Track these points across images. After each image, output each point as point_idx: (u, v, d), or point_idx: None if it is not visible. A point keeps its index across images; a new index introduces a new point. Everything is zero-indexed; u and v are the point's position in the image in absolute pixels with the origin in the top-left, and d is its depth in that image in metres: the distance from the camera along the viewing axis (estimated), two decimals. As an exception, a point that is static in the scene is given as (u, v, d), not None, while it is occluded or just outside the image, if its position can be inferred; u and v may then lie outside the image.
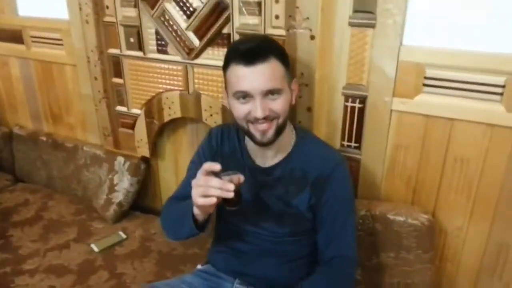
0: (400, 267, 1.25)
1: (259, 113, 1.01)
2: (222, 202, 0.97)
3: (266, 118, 1.02)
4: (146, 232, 1.73)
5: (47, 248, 1.66)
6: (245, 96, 1.02)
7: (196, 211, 1.02)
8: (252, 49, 1.00)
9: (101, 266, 1.55)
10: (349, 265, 1.13)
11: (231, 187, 0.92)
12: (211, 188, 0.92)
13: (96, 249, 1.63)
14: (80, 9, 1.65)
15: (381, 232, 1.25)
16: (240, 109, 1.04)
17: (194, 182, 0.96)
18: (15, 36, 1.98)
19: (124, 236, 1.70)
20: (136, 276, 1.49)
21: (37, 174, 2.11)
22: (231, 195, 0.92)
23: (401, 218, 1.22)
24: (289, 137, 1.15)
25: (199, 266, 1.33)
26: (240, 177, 0.98)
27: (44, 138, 2.05)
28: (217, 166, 0.93)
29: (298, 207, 1.13)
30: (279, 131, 1.07)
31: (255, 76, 1.00)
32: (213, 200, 0.92)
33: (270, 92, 1.01)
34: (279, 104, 1.03)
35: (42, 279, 1.50)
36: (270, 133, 1.05)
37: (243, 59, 1.00)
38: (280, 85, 1.02)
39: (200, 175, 0.95)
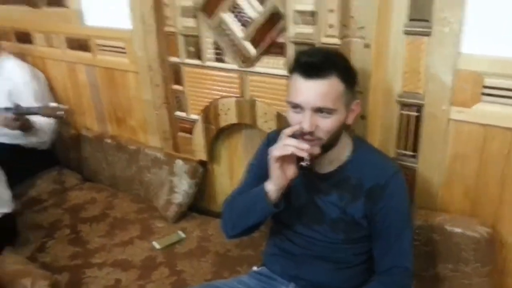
0: (457, 279, 1.23)
1: (305, 126, 1.03)
2: (296, 160, 1.05)
3: (311, 134, 1.04)
4: (203, 233, 1.81)
5: (112, 243, 1.78)
6: (297, 106, 1.05)
7: (269, 186, 1.09)
8: (312, 64, 1.02)
9: (162, 263, 1.65)
10: (406, 276, 1.13)
11: (306, 146, 1.00)
12: (288, 145, 1.01)
13: (157, 246, 1.74)
14: (143, 20, 1.75)
15: (438, 243, 1.24)
16: (293, 118, 1.07)
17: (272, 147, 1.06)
18: (82, 45, 2.13)
19: (183, 235, 1.79)
20: (195, 274, 1.58)
21: (102, 174, 2.26)
22: (304, 154, 1.00)
23: (459, 230, 1.20)
24: (345, 146, 1.16)
25: (254, 268, 1.38)
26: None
27: (109, 140, 2.19)
28: (296, 127, 1.04)
29: (353, 215, 1.14)
30: (326, 148, 1.08)
31: (309, 91, 1.02)
32: (288, 151, 1.01)
33: (321, 110, 1.03)
34: (327, 123, 1.04)
35: (109, 272, 1.62)
36: (315, 150, 1.06)
37: (303, 71, 1.02)
38: (332, 104, 1.03)
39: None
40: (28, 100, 2.09)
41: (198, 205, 1.97)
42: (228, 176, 1.89)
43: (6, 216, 1.76)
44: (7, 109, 1.80)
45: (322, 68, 1.01)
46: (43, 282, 1.41)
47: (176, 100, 1.82)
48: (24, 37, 2.38)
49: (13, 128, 1.88)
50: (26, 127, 1.93)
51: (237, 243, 1.71)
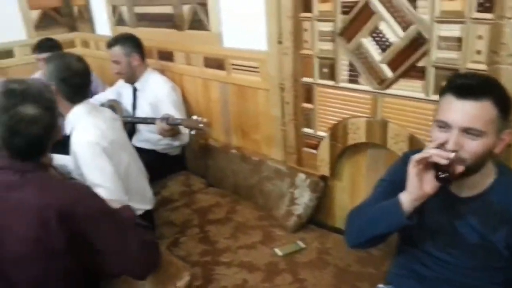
0: None
1: (450, 144, 1.04)
2: (435, 170, 1.06)
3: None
4: (322, 245, 1.88)
5: (237, 245, 1.93)
6: (445, 125, 1.08)
7: (404, 196, 1.10)
8: (468, 85, 1.05)
9: (284, 270, 1.75)
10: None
11: (451, 155, 1.02)
12: (429, 152, 1.05)
13: (279, 253, 1.84)
14: (280, 42, 1.90)
15: None
16: (437, 136, 1.09)
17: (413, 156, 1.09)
18: (218, 64, 2.35)
19: (303, 245, 1.88)
20: (317, 285, 1.65)
21: (226, 181, 2.45)
22: (445, 161, 1.02)
23: None
24: (490, 172, 1.16)
25: (380, 286, 1.40)
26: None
27: (234, 151, 2.38)
28: (439, 141, 1.07)
29: (495, 242, 1.12)
30: (469, 171, 1.08)
31: (460, 110, 1.04)
32: (429, 154, 1.04)
33: (469, 131, 1.04)
34: (474, 145, 1.04)
35: (236, 272, 1.76)
36: (459, 168, 1.06)
37: (456, 92, 1.05)
38: (482, 127, 1.03)
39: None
40: (168, 110, 2.36)
41: (316, 218, 2.04)
42: (349, 193, 1.94)
43: (147, 212, 2.00)
44: (162, 119, 2.06)
45: (477, 90, 1.03)
46: (185, 273, 1.59)
47: (304, 117, 1.93)
48: (166, 56, 2.70)
49: (165, 136, 2.14)
50: (174, 135, 2.18)
51: (357, 258, 1.75)
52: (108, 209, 1.30)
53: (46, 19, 3.47)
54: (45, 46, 2.81)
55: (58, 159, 1.75)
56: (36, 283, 1.23)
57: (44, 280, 1.23)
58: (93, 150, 1.66)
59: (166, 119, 2.09)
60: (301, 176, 2.01)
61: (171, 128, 2.12)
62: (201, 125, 1.97)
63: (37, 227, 1.16)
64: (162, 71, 2.66)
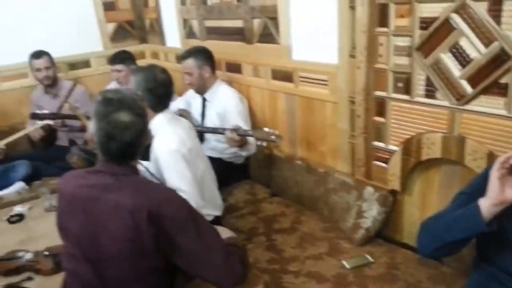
0: None
1: None
2: None
3: None
4: (391, 260, 1.87)
5: (305, 256, 1.96)
6: None
7: (484, 201, 1.09)
8: None
9: (353, 282, 1.76)
10: None
11: None
12: None
13: (347, 265, 1.85)
14: (353, 56, 1.93)
15: None
16: None
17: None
18: (286, 76, 2.41)
19: (371, 259, 1.88)
20: (388, 299, 1.65)
21: (289, 191, 2.49)
22: None
23: None
24: None
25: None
26: None
27: (299, 162, 2.42)
28: None
29: None
30: None
31: None
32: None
33: None
34: None
35: (304, 282, 1.79)
36: None
37: None
38: None
39: None
40: (235, 120, 2.45)
41: (383, 232, 2.03)
42: (419, 208, 1.92)
43: (217, 218, 2.07)
44: (232, 130, 2.14)
45: None
46: (259, 280, 1.64)
47: (375, 131, 1.94)
48: (234, 68, 2.81)
49: (233, 146, 2.22)
50: (242, 145, 2.26)
51: (428, 275, 1.73)
52: (192, 211, 1.36)
53: (120, 32, 3.71)
54: (120, 58, 3.01)
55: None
56: (127, 280, 1.33)
57: (134, 277, 1.33)
58: (174, 157, 1.77)
59: (237, 130, 2.17)
60: (370, 189, 2.01)
61: (241, 139, 2.19)
62: (273, 137, 2.03)
63: (130, 228, 1.26)
64: (230, 83, 2.76)
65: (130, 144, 1.33)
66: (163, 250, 1.30)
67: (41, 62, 3.08)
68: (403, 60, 1.73)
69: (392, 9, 1.71)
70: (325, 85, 2.19)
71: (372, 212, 1.98)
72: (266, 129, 2.10)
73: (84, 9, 3.51)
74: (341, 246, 2.00)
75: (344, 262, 1.87)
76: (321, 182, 2.28)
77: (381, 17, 1.76)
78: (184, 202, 1.36)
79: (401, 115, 1.81)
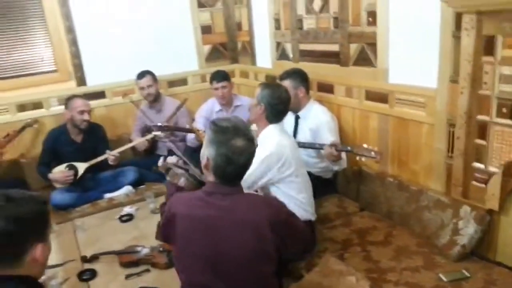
0: None
1: None
2: None
3: None
4: (488, 277, 1.94)
5: (401, 267, 2.08)
6: None
7: None
8: None
9: (452, 295, 1.87)
10: None
11: None
12: None
13: (444, 279, 1.95)
14: (454, 82, 2.06)
15: None
16: None
17: None
18: (381, 97, 2.57)
19: (467, 274, 1.96)
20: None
21: (379, 206, 2.62)
22: None
23: None
24: None
25: None
26: None
27: (390, 179, 2.55)
28: None
29: None
30: None
31: None
32: None
33: None
34: None
35: (404, 291, 1.92)
36: None
37: None
38: None
39: None
40: (325, 135, 2.65)
41: (478, 250, 2.11)
42: (517, 229, 1.99)
43: (310, 223, 2.27)
44: (331, 145, 2.33)
45: None
46: (365, 281, 1.80)
47: (475, 152, 2.04)
48: (325, 88, 3.00)
49: (329, 160, 2.41)
50: (337, 160, 2.43)
51: (530, 294, 1.80)
52: (288, 209, 1.64)
53: (214, 53, 4.06)
54: (222, 75, 3.33)
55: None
56: (253, 282, 1.53)
57: (259, 284, 1.54)
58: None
59: (335, 145, 2.36)
60: (466, 208, 2.10)
61: (338, 154, 2.37)
62: (372, 153, 2.19)
63: (256, 239, 1.48)
64: (320, 101, 2.95)
65: (244, 166, 1.53)
66: (279, 250, 1.53)
67: (144, 82, 3.48)
68: (509, 88, 1.84)
69: (500, 40, 1.83)
70: (422, 107, 2.32)
71: (468, 230, 2.07)
72: (365, 145, 2.27)
73: (185, 33, 3.92)
74: (436, 261, 2.10)
75: (441, 275, 1.97)
76: (413, 199, 2.40)
77: (487, 47, 1.89)
78: (284, 204, 1.64)
79: (503, 138, 1.91)
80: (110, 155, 3.16)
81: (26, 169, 3.41)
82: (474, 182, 2.09)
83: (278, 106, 2.14)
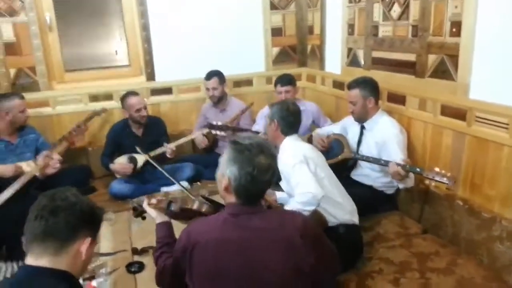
0: None
1: None
2: None
3: None
4: None
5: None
6: None
7: None
8: None
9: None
10: None
11: None
12: None
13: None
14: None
15: None
16: None
17: None
18: (458, 114, 2.36)
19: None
20: None
21: (443, 230, 2.42)
22: None
23: None
24: None
25: None
26: None
27: (460, 202, 2.34)
28: None
29: None
30: None
31: None
32: None
33: None
34: None
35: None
36: None
37: None
38: None
39: None
40: (393, 149, 2.50)
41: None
42: None
43: (355, 227, 2.20)
44: (398, 164, 2.21)
45: None
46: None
47: None
48: (397, 99, 2.84)
49: (395, 179, 2.32)
50: (403, 179, 2.29)
51: None
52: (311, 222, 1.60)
53: (282, 55, 4.01)
54: (288, 79, 3.28)
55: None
56: None
57: None
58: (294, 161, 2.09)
59: (404, 165, 2.22)
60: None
61: (405, 174, 2.23)
62: (445, 179, 2.05)
63: (290, 256, 1.41)
64: (389, 113, 2.79)
65: (267, 184, 1.48)
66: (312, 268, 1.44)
67: (210, 83, 3.52)
68: None
69: None
70: (505, 128, 2.11)
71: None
72: (437, 169, 2.11)
73: (255, 34, 3.90)
74: (506, 297, 1.90)
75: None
76: (484, 227, 2.18)
77: None
78: (307, 217, 1.63)
79: None
80: (168, 148, 3.22)
81: (91, 157, 3.57)
82: (560, 217, 1.85)
83: (288, 117, 2.24)
